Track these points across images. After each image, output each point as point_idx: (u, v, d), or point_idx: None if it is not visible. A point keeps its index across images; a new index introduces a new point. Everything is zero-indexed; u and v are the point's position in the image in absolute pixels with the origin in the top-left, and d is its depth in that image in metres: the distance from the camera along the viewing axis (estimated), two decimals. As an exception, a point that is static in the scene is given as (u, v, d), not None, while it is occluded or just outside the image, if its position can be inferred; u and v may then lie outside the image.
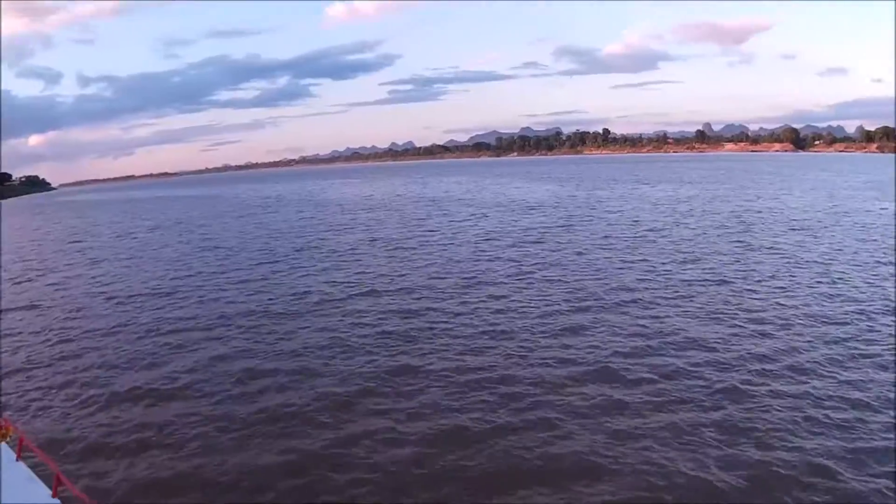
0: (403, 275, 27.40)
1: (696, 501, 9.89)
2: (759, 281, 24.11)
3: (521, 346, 17.04)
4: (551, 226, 42.05)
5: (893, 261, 26.95)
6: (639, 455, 11.16)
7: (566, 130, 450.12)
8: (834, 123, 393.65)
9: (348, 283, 26.16)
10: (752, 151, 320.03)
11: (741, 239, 34.01)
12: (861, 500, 9.76)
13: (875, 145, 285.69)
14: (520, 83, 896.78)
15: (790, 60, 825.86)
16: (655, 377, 14.55)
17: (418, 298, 22.95)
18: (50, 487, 6.80)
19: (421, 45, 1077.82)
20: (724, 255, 29.58)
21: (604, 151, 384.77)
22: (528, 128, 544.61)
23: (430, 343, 17.62)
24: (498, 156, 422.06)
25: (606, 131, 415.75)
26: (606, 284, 24.14)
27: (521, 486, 10.42)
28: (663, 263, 27.89)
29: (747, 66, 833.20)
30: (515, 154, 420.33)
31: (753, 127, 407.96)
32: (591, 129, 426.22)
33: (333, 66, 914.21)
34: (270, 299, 23.72)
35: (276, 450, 11.84)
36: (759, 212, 46.75)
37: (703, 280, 24.43)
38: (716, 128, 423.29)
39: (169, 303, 24.12)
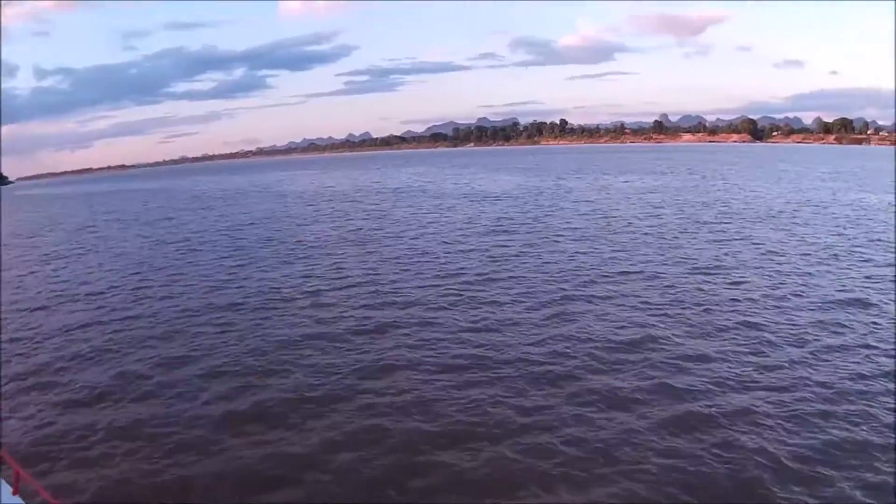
0: (376, 267, 26.47)
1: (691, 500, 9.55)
2: (745, 272, 23.55)
3: (506, 339, 16.38)
4: (523, 217, 41.09)
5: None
6: (634, 452, 10.78)
7: (523, 121, 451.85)
8: (791, 115, 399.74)
9: (319, 277, 25.16)
10: (710, 142, 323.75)
11: (721, 229, 33.56)
12: (861, 499, 9.43)
13: (833, 137, 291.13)
14: (476, 74, 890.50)
15: (746, 52, 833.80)
16: (644, 371, 14.13)
17: (394, 292, 22.08)
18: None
19: (378, 36, 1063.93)
20: (706, 246, 28.99)
21: (561, 142, 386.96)
22: (484, 118, 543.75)
23: (409, 337, 16.86)
24: (455, 146, 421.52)
25: (563, 122, 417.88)
26: (589, 276, 23.47)
27: (502, 485, 10.03)
28: (644, 255, 27.29)
29: (704, 57, 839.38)
30: (472, 144, 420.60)
31: (710, 118, 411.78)
32: (548, 120, 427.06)
33: (290, 58, 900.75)
34: (239, 295, 22.50)
35: (248, 450, 11.24)
36: (734, 203, 46.28)
37: (689, 271, 23.82)
38: (673, 118, 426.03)
39: (132, 301, 22.69)
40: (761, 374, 13.79)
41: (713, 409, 12.20)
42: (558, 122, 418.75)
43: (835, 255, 26.61)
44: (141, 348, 16.99)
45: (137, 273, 28.02)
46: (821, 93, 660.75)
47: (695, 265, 24.94)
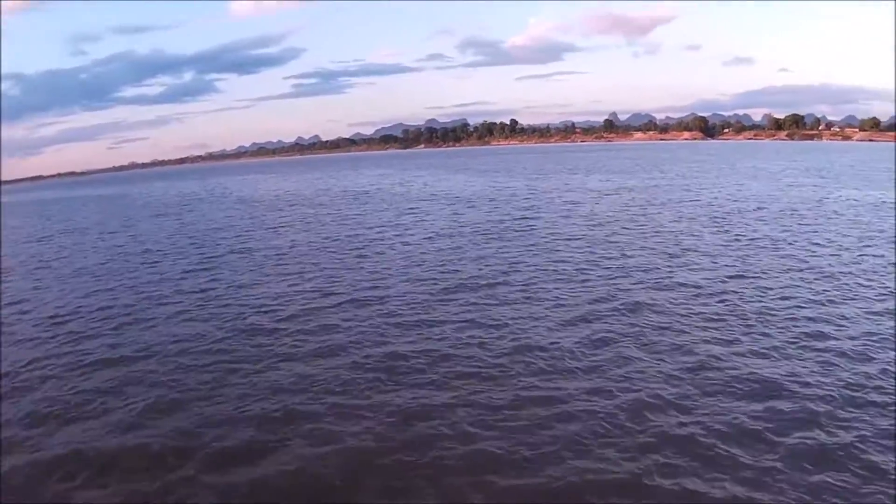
0: (375, 279, 23.89)
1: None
2: (765, 278, 21.88)
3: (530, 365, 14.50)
4: (507, 220, 38.69)
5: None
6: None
7: (472, 122, 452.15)
8: (740, 112, 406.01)
9: (302, 292, 22.45)
10: (662, 140, 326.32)
11: (726, 231, 31.85)
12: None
13: (785, 133, 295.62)
14: (425, 75, 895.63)
15: (695, 51, 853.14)
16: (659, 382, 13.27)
17: (387, 304, 20.01)
18: None
19: (326, 38, 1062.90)
20: (714, 251, 27.03)
21: (511, 142, 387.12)
22: (433, 120, 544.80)
23: (426, 370, 14.50)
24: (405, 148, 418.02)
25: (514, 122, 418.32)
26: (599, 282, 21.82)
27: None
28: (648, 258, 25.63)
29: (652, 56, 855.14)
30: (423, 146, 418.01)
31: (660, 116, 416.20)
32: (498, 120, 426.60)
33: (238, 61, 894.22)
34: (216, 315, 19.89)
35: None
36: (718, 202, 45.03)
37: (709, 278, 21.99)
38: (622, 117, 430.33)
39: (92, 325, 19.69)
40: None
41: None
42: (508, 123, 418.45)
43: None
44: (102, 382, 14.64)
45: (98, 292, 24.68)
46: (771, 89, 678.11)
47: (746, 275, 22.53)
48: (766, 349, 14.83)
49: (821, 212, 38.08)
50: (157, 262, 30.94)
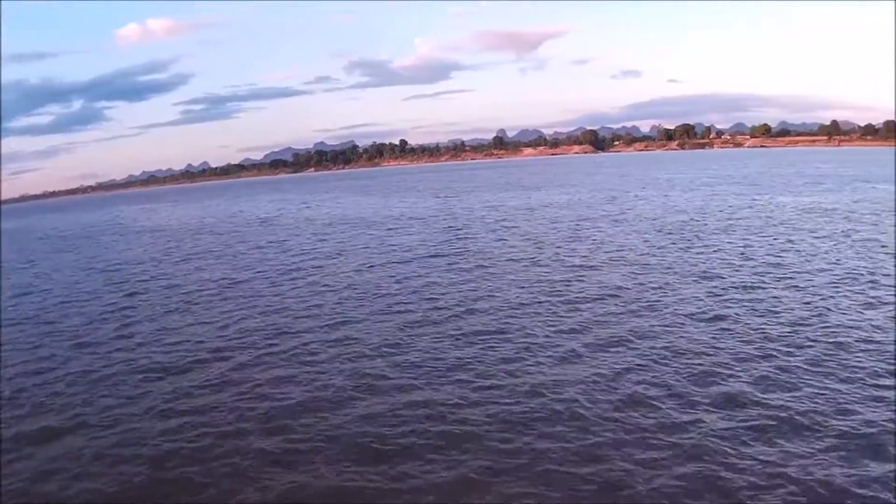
0: (324, 313, 21.54)
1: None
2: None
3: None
4: (442, 243, 36.70)
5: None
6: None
7: (361, 143, 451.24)
8: (628, 124, 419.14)
9: (241, 329, 20.16)
10: (553, 155, 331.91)
11: (692, 247, 30.79)
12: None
13: (676, 143, 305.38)
14: (313, 98, 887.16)
15: (583, 65, 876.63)
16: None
17: (339, 343, 17.86)
18: None
19: (215, 62, 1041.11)
20: (683, 262, 26.39)
21: (402, 162, 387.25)
22: (322, 142, 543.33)
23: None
24: (296, 172, 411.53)
25: (403, 142, 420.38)
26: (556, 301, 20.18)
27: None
28: (621, 279, 24.11)
29: (541, 72, 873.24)
30: (313, 169, 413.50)
31: (548, 131, 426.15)
32: (387, 141, 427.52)
33: (127, 88, 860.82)
34: (145, 357, 17.71)
35: None
36: (660, 214, 44.59)
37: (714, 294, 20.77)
38: (511, 133, 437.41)
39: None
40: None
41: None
42: (398, 143, 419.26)
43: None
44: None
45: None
46: (659, 101, 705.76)
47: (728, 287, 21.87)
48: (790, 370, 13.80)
49: (776, 219, 38.27)
50: (66, 302, 27.49)
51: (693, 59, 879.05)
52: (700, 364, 14.49)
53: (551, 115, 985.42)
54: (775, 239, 30.84)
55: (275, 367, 16.28)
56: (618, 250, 30.17)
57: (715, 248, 29.10)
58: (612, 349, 15.90)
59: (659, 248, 30.07)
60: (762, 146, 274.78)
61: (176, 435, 12.66)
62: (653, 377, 13.94)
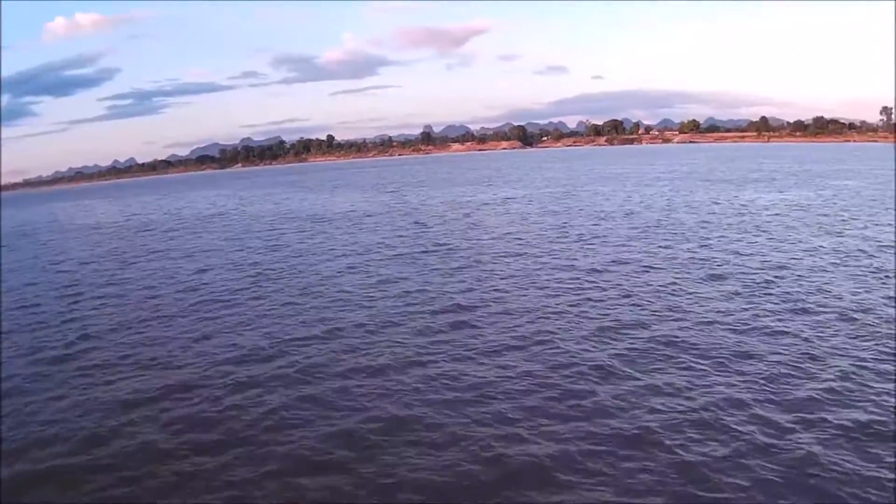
0: (302, 323, 19.33)
1: None
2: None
3: None
4: (410, 242, 34.91)
5: None
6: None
7: (288, 139, 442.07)
8: (555, 119, 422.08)
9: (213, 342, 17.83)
10: (481, 151, 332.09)
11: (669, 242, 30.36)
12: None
13: (604, 138, 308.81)
14: (240, 93, 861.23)
15: (509, 61, 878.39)
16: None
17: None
18: None
19: (142, 57, 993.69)
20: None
21: (329, 158, 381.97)
22: (248, 138, 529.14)
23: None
24: (223, 168, 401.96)
25: (331, 137, 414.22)
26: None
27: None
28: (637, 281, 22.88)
29: (466, 68, 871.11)
30: (240, 165, 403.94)
31: (475, 127, 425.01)
32: (314, 137, 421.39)
33: (53, 83, 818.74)
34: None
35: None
36: (629, 209, 44.01)
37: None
38: (437, 129, 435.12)
39: None
40: None
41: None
42: (325, 139, 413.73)
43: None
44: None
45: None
46: (585, 97, 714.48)
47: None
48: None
49: (756, 215, 38.02)
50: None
51: (618, 56, 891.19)
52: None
53: (478, 111, 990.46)
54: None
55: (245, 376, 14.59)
56: (632, 249, 28.98)
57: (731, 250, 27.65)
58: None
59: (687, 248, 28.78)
60: (691, 142, 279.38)
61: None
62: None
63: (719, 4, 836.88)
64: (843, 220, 33.97)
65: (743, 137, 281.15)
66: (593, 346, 15.48)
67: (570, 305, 19.32)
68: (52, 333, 20.31)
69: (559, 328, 17.09)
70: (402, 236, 36.45)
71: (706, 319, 17.15)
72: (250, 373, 15.13)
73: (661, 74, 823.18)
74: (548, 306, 19.38)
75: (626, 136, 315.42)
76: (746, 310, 17.88)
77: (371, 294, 22.44)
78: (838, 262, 23.74)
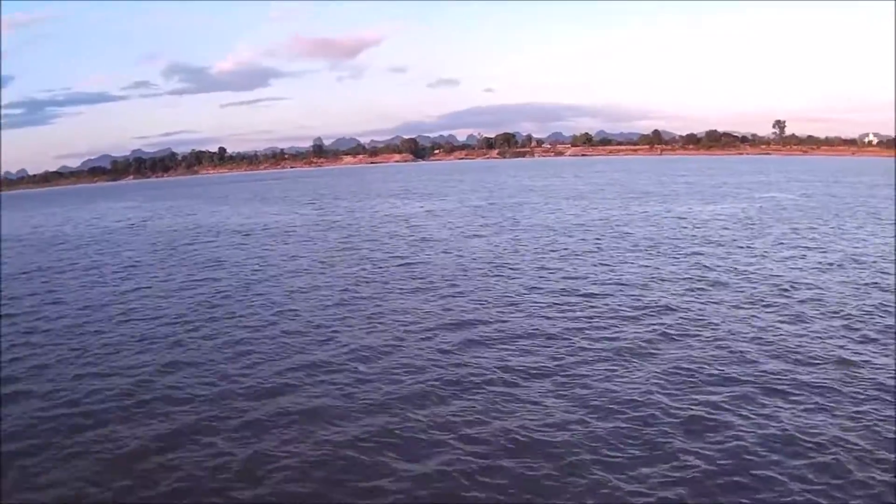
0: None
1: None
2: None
3: None
4: (365, 256, 34.65)
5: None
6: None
7: (179, 151, 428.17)
8: (445, 132, 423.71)
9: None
10: (373, 163, 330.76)
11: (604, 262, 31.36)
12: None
13: (496, 151, 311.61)
14: (131, 104, 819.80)
15: (401, 73, 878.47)
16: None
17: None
18: None
19: (36, 65, 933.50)
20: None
21: (221, 170, 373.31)
22: (139, 150, 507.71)
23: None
24: (114, 179, 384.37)
25: (223, 150, 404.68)
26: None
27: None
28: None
29: (357, 80, 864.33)
30: (132, 177, 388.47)
31: (364, 139, 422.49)
32: (205, 149, 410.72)
33: None
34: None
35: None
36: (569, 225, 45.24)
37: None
38: (327, 142, 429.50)
39: None
40: None
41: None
42: (217, 151, 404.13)
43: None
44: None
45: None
46: (475, 110, 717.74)
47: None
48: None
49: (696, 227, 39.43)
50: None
51: (510, 70, 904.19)
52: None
53: (368, 124, 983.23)
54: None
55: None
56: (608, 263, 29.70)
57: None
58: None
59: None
60: (583, 155, 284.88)
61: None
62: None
63: (610, 18, 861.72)
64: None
65: (636, 150, 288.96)
66: (584, 365, 15.66)
67: (565, 328, 18.80)
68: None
69: (553, 349, 17.32)
70: (348, 249, 36.34)
71: (717, 335, 17.50)
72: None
73: (551, 88, 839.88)
74: (538, 327, 19.09)
75: (518, 150, 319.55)
76: (755, 318, 18.70)
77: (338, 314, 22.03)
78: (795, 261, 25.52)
